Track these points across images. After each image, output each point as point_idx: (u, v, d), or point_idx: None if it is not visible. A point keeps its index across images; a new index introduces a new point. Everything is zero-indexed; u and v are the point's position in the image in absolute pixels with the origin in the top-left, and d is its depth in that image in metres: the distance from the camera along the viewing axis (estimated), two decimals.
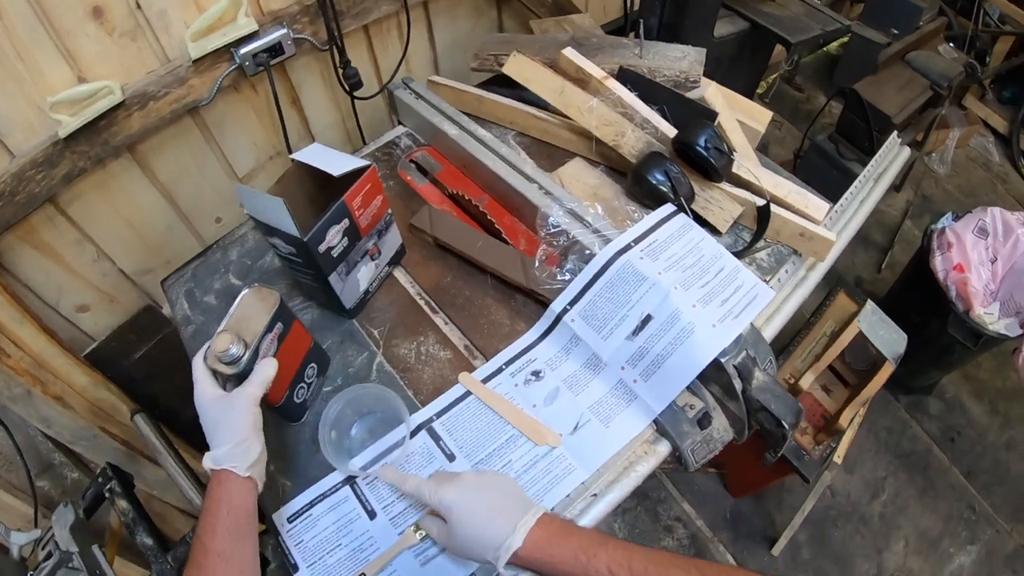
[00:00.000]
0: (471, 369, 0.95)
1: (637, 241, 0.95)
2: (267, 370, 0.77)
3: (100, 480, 1.09)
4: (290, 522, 0.84)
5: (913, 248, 2.21)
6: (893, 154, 1.33)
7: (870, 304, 1.69)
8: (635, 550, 0.64)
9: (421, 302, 1.04)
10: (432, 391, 0.94)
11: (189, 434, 1.51)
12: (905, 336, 1.67)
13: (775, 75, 2.97)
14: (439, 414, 0.91)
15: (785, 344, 1.75)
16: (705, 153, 1.03)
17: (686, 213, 1.03)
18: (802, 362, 1.67)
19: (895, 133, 1.37)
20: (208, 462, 0.72)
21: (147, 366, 1.43)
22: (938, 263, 1.91)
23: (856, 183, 1.23)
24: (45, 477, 1.36)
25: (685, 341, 0.86)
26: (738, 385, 0.86)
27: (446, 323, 1.02)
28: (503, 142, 1.17)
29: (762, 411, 0.87)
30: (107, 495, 1.08)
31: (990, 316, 1.85)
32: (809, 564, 1.94)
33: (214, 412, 0.74)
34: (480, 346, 0.99)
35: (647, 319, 0.89)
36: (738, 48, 1.95)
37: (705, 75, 1.29)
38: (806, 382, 1.53)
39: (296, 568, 0.80)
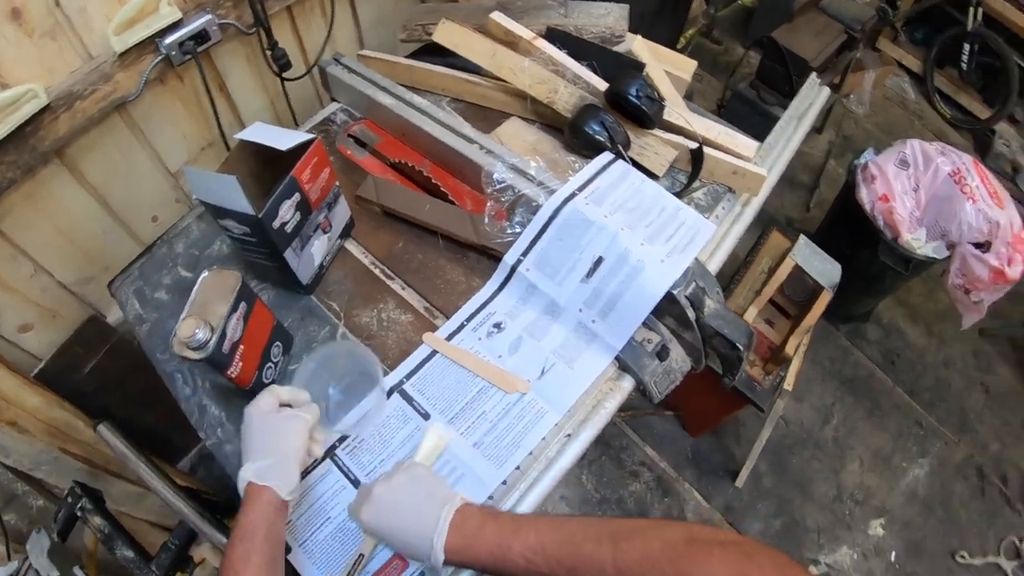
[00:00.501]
0: (433, 329, 0.97)
1: (581, 189, 0.98)
2: (314, 408, 0.78)
3: (70, 500, 1.07)
4: None
5: (838, 186, 2.33)
6: (814, 93, 1.40)
7: (803, 238, 1.77)
8: (548, 532, 0.62)
9: (376, 270, 1.05)
10: (399, 354, 0.95)
11: (149, 442, 1.48)
12: (839, 265, 1.76)
13: (693, 30, 3.04)
14: (408, 376, 0.92)
15: (725, 284, 1.81)
16: (637, 102, 1.07)
17: (624, 160, 1.07)
18: (744, 299, 1.74)
19: (814, 74, 1.43)
20: (248, 474, 0.69)
21: (97, 378, 1.39)
22: (864, 195, 2.02)
23: (782, 120, 1.30)
24: (10, 510, 1.31)
25: (637, 278, 0.90)
26: (691, 315, 0.91)
27: (403, 288, 1.03)
28: (439, 108, 1.18)
29: (716, 336, 0.92)
30: (79, 513, 1.05)
31: (917, 241, 1.97)
32: (772, 491, 2.05)
33: (264, 425, 0.72)
34: (439, 306, 1.00)
35: (599, 261, 0.92)
36: (659, 2, 2.00)
37: (629, 30, 1.32)
38: (749, 316, 1.61)
39: (288, 550, 0.80)
